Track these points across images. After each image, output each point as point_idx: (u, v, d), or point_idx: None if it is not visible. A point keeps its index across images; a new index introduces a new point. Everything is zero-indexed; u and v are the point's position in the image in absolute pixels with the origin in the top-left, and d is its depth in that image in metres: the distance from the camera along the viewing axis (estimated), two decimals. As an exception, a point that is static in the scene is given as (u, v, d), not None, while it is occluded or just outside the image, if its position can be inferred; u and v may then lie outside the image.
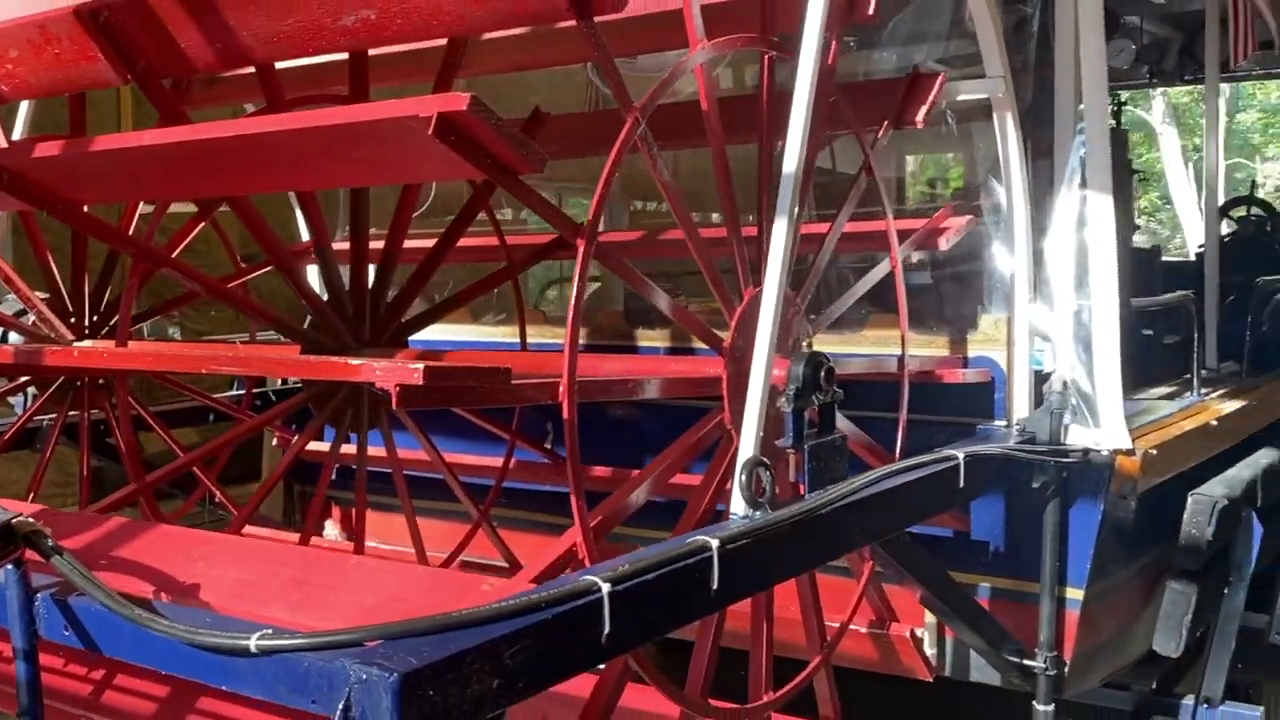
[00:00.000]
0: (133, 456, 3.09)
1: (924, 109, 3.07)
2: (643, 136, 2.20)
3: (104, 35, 2.61)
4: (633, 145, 2.19)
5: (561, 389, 2.03)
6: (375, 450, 3.43)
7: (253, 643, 1.58)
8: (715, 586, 2.03)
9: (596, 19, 2.21)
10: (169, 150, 2.23)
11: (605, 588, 1.79)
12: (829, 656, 2.83)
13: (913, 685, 3.49)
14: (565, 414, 2.04)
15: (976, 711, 3.95)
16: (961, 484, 2.85)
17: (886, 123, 3.05)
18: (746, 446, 2.29)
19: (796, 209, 2.38)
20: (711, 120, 2.45)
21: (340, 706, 1.51)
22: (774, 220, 2.38)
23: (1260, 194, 11.37)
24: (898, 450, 3.04)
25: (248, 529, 3.92)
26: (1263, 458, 4.37)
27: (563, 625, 1.73)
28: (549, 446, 3.98)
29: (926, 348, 3.55)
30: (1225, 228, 8.79)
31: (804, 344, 2.62)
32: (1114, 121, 8.57)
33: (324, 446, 3.74)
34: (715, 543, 2.02)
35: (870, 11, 2.80)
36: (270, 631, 1.60)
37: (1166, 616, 3.80)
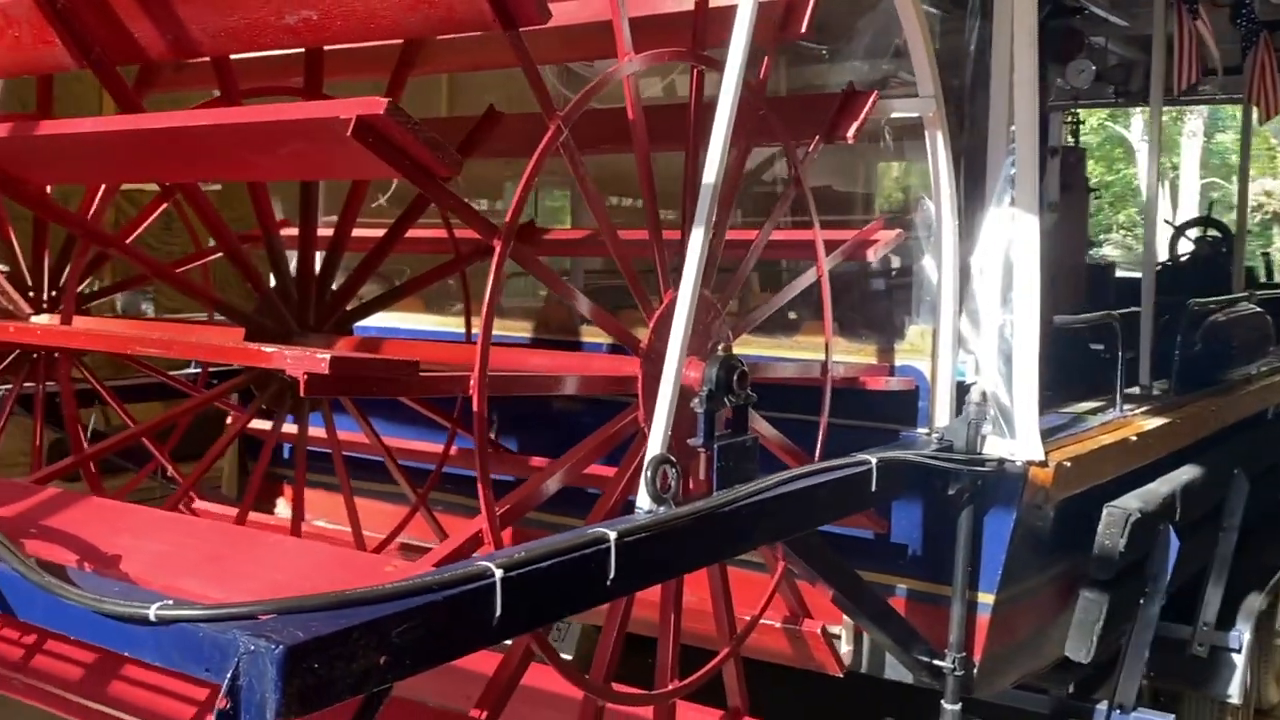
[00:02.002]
0: (73, 429, 3.18)
1: (855, 125, 3.18)
2: (565, 143, 2.30)
3: (61, 21, 2.69)
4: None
5: (472, 382, 2.14)
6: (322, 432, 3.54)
7: (152, 612, 1.68)
8: (612, 576, 2.13)
9: (523, 29, 2.30)
10: (105, 138, 2.32)
11: (498, 573, 1.90)
12: (738, 648, 2.94)
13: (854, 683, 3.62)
14: (475, 406, 2.15)
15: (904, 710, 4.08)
16: (874, 488, 2.96)
17: (817, 137, 3.16)
18: (655, 444, 2.40)
19: (714, 216, 2.49)
20: (637, 129, 2.56)
21: (229, 675, 1.61)
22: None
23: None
24: (817, 453, 3.15)
25: (199, 505, 4.02)
26: (1184, 474, 4.51)
27: (454, 607, 1.84)
28: (493, 436, 4.09)
29: (856, 355, 3.66)
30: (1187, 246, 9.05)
31: (720, 348, 2.72)
32: (1072, 140, 8.74)
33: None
34: (613, 535, 2.12)
35: (803, 29, 2.92)
36: (170, 602, 1.70)
37: (1078, 624, 3.94)
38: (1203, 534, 5.02)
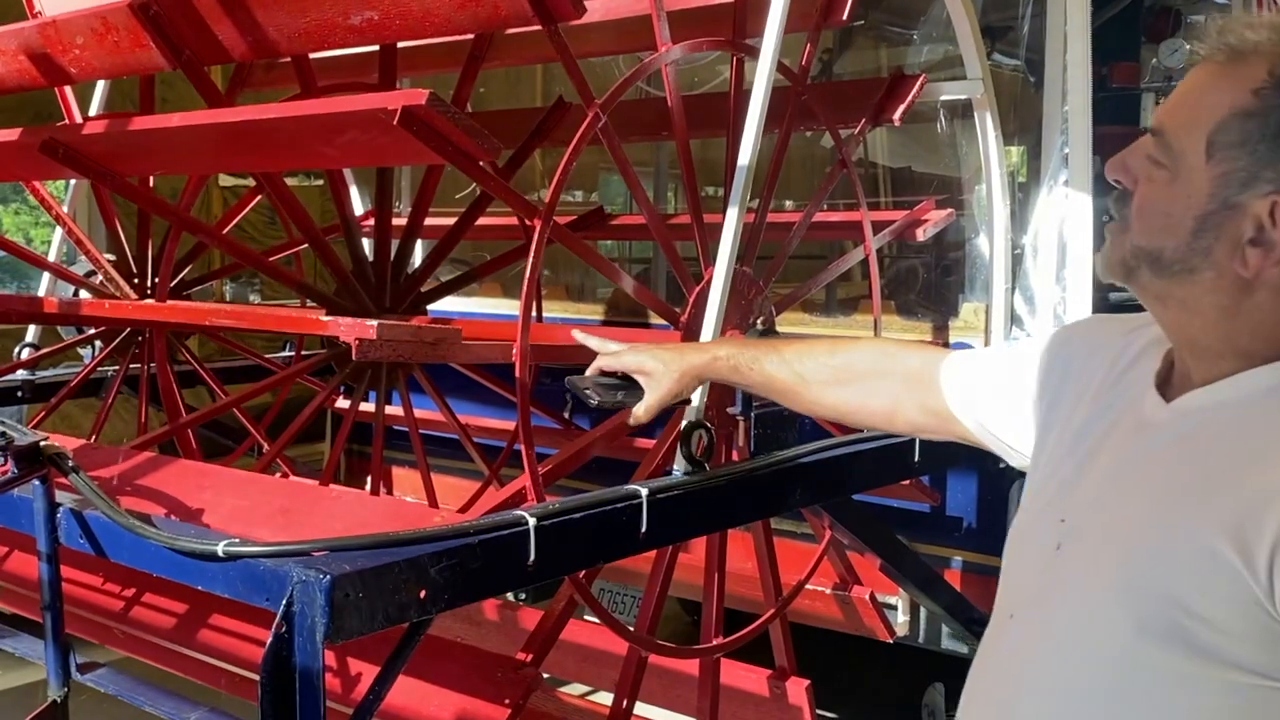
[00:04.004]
0: (170, 401, 3.45)
1: (902, 107, 3.28)
2: (604, 129, 2.47)
3: (154, 26, 2.93)
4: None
5: (515, 350, 2.31)
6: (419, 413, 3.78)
7: (220, 548, 1.89)
8: (644, 530, 2.30)
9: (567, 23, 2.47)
10: (189, 131, 2.55)
11: (532, 521, 2.08)
12: (783, 609, 3.07)
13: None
14: (518, 373, 2.33)
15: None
16: (917, 458, 3.07)
17: (865, 120, 3.27)
18: (690, 410, 2.55)
19: (748, 196, 2.64)
20: (677, 117, 2.70)
21: (284, 602, 1.81)
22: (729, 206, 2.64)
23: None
24: (866, 426, 3.26)
25: (292, 480, 4.28)
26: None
27: (489, 549, 2.02)
28: (567, 416, 4.28)
29: (911, 332, 3.76)
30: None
31: (760, 322, 2.85)
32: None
33: (370, 407, 4.05)
34: (645, 492, 2.29)
35: (844, 16, 3.03)
36: (236, 540, 1.91)
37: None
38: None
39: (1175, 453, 1.31)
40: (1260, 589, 1.14)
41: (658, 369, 2.16)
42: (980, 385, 1.76)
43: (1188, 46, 7.76)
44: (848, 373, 1.95)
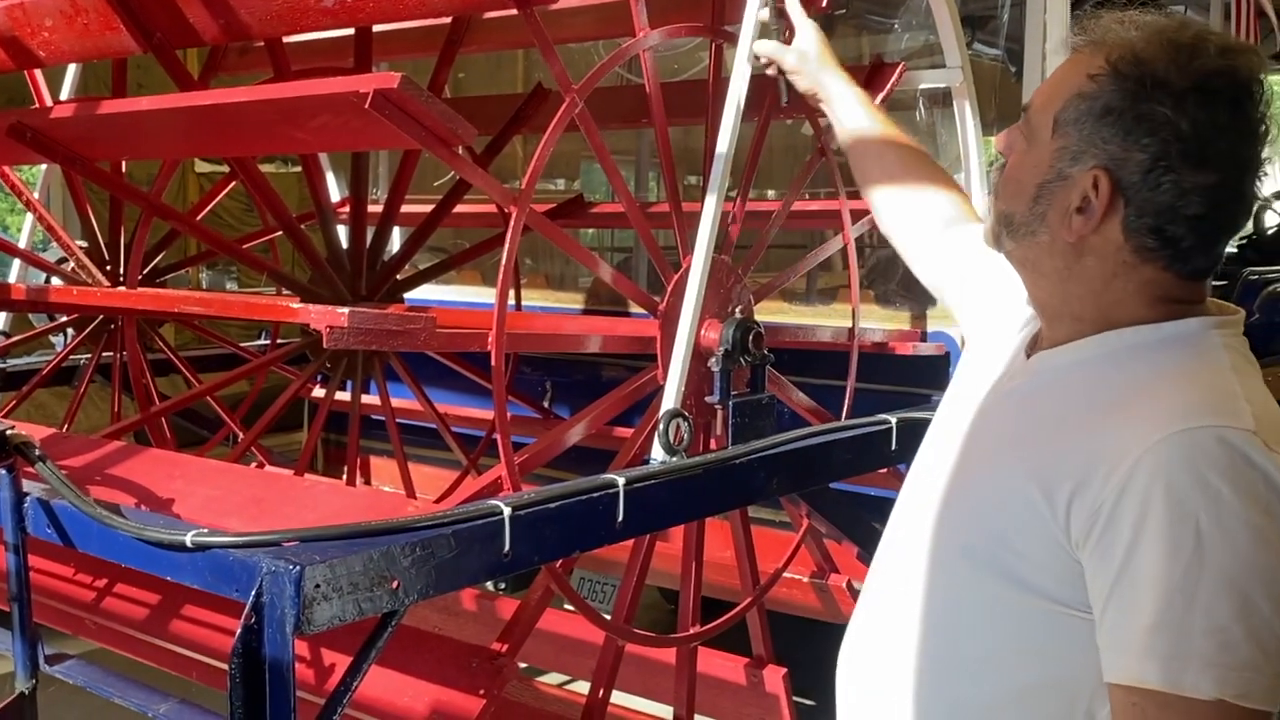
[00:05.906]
0: (140, 391, 3.41)
1: (880, 95, 3.25)
2: (580, 115, 2.44)
3: (124, 8, 2.90)
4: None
5: (490, 339, 2.28)
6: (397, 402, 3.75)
7: (188, 539, 1.86)
8: (621, 519, 2.28)
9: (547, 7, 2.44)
10: (159, 115, 2.52)
11: (507, 510, 2.05)
12: (760, 598, 3.06)
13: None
14: (494, 362, 2.30)
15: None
16: (894, 446, 3.06)
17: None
18: (669, 399, 2.53)
19: (726, 183, 2.61)
20: (655, 104, 2.68)
21: (253, 593, 1.78)
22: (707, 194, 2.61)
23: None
24: (844, 414, 3.26)
25: (269, 469, 4.25)
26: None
27: (463, 540, 1.99)
28: (546, 405, 4.26)
29: (889, 322, 3.75)
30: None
31: (739, 311, 2.83)
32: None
33: (348, 395, 4.02)
34: (622, 481, 2.26)
35: (824, 3, 3.00)
36: (205, 530, 1.88)
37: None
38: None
39: (1017, 407, 1.52)
40: (1060, 529, 1.35)
41: (811, 47, 2.44)
42: (972, 269, 1.91)
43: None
44: (906, 180, 2.18)
